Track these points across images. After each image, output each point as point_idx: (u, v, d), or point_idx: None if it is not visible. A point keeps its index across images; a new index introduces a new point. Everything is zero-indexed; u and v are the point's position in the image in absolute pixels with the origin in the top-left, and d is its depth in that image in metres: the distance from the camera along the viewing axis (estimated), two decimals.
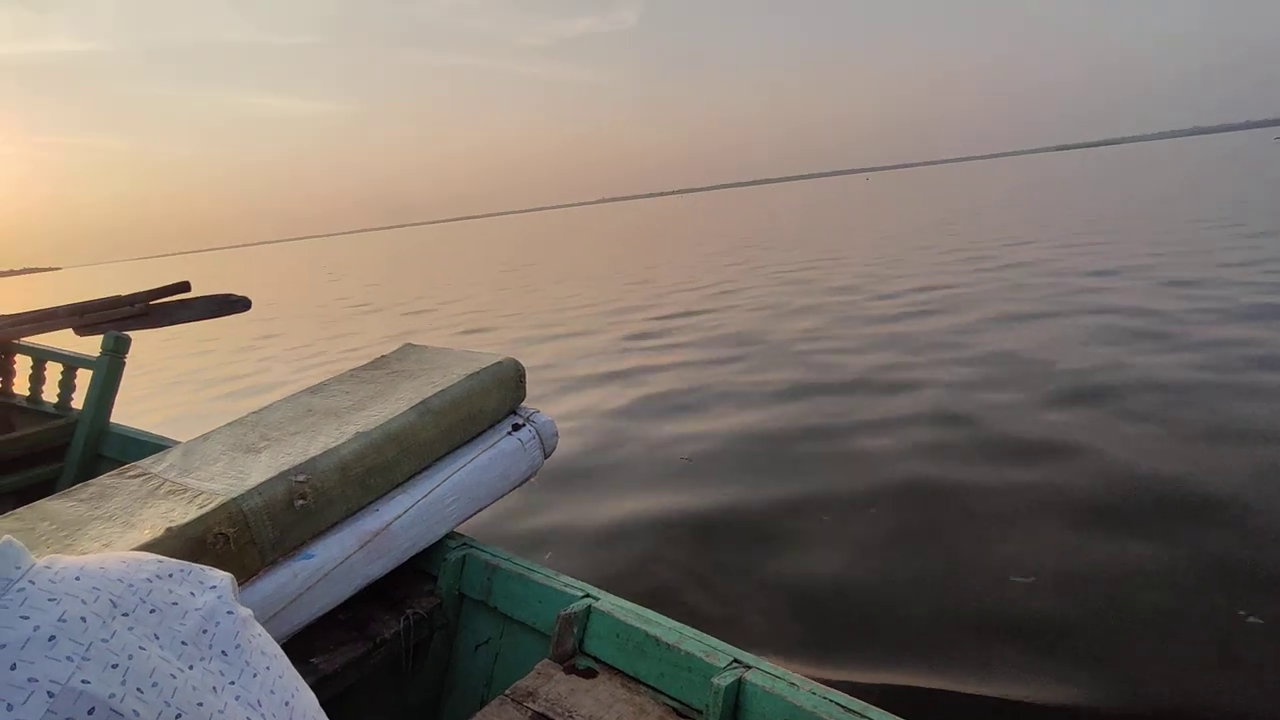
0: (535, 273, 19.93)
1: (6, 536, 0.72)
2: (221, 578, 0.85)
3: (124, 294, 3.75)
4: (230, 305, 3.90)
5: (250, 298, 3.89)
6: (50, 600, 0.66)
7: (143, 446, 3.07)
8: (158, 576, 0.75)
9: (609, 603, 1.63)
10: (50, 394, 3.49)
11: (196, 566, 0.83)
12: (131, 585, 0.72)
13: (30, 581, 0.67)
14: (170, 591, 0.75)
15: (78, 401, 3.42)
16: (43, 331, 3.45)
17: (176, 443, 3.08)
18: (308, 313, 16.02)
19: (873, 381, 5.92)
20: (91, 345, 3.39)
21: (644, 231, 37.83)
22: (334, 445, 1.78)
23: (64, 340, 3.54)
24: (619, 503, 4.14)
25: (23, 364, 3.47)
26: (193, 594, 0.77)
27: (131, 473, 1.82)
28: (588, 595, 1.64)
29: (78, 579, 0.70)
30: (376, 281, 24.07)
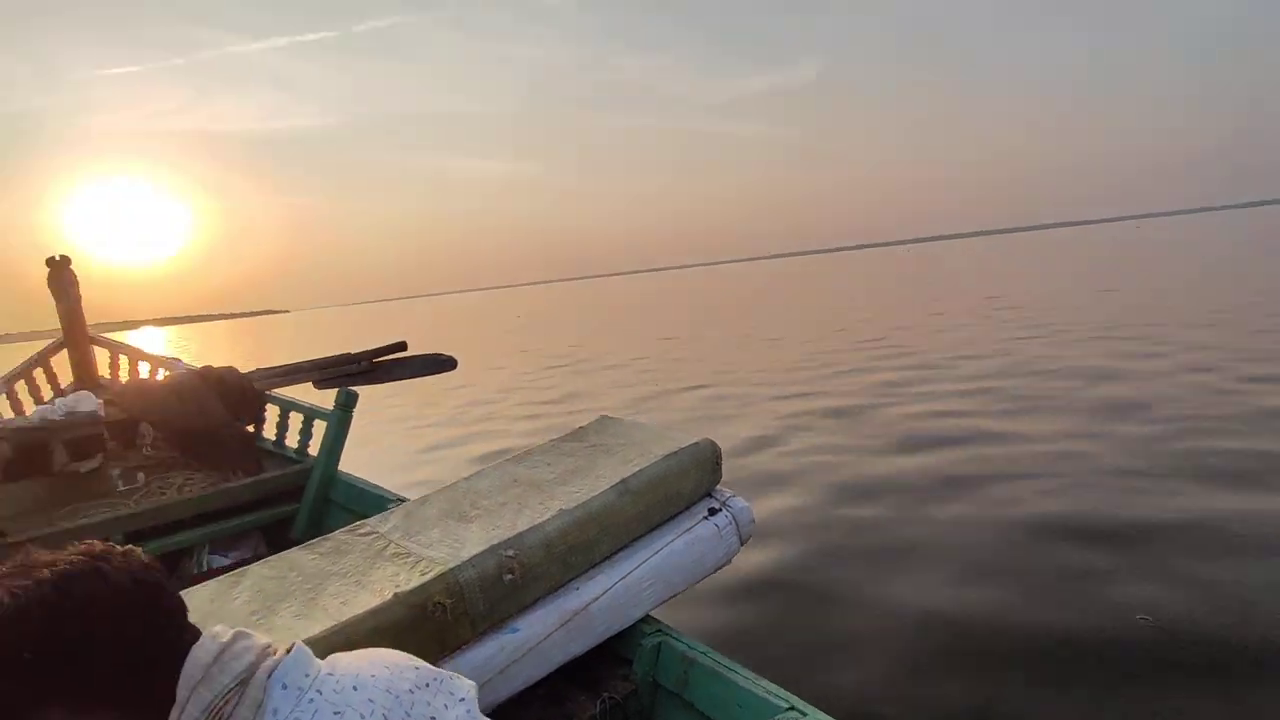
0: (722, 328, 19.89)
1: (298, 643, 0.80)
2: (467, 688, 0.90)
3: (352, 352, 4.19)
4: (439, 365, 4.23)
5: (456, 357, 4.20)
6: (336, 714, 0.72)
7: (363, 495, 3.36)
8: (417, 687, 0.81)
9: None
10: (291, 440, 3.92)
11: (446, 675, 0.88)
12: (398, 698, 0.78)
13: (318, 691, 0.74)
14: (428, 704, 0.80)
15: (313, 448, 3.81)
16: (289, 384, 3.91)
17: (386, 491, 3.36)
18: (499, 363, 16.96)
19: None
20: (326, 398, 3.79)
21: (840, 285, 36.61)
22: (539, 521, 1.86)
23: (304, 393, 3.99)
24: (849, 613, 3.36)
25: (271, 413, 3.94)
26: (446, 706, 0.82)
27: (362, 530, 1.98)
28: (793, 708, 1.57)
29: (355, 689, 0.76)
30: (556, 330, 25.01)
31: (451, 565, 1.66)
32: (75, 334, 4.85)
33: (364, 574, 1.74)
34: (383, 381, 4.12)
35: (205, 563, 3.36)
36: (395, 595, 1.59)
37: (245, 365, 4.15)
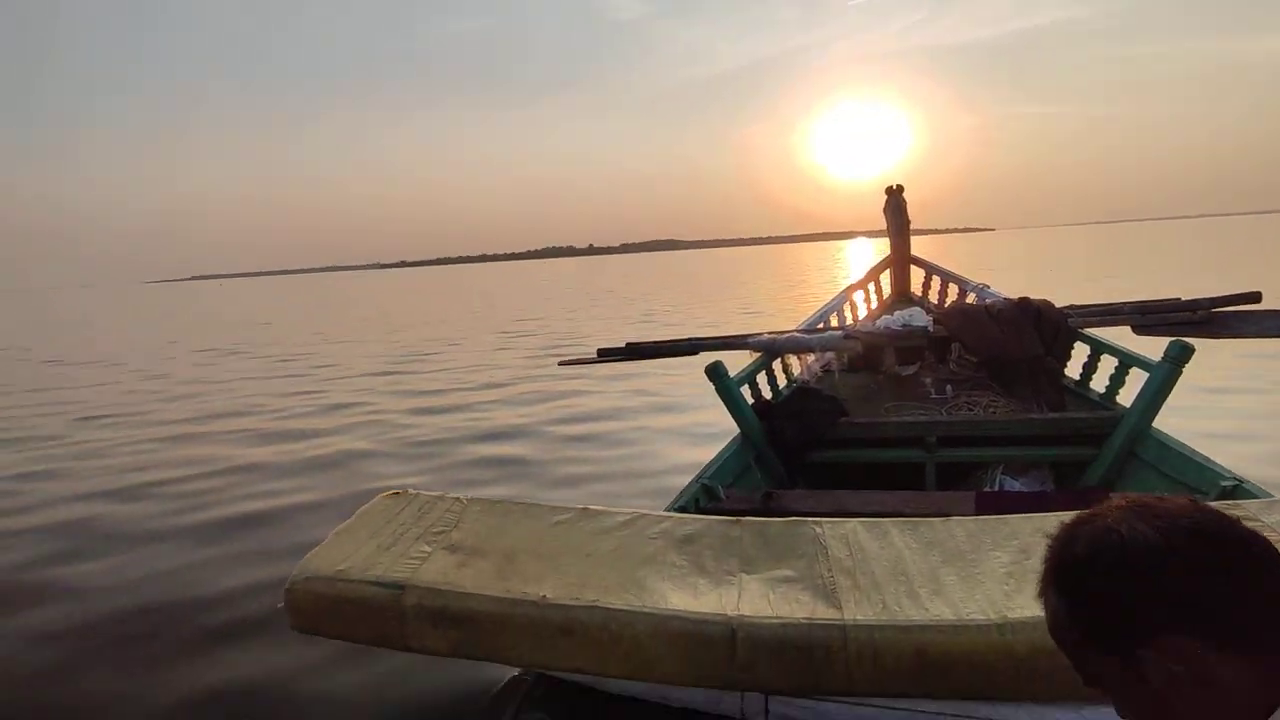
0: None
1: None
2: None
3: (1185, 298, 3.71)
4: None
5: None
6: None
7: (1181, 460, 3.00)
8: None
9: None
10: (1098, 383, 3.76)
11: None
12: None
13: None
14: None
15: (1124, 396, 3.57)
16: (1104, 325, 3.71)
17: (1213, 462, 2.90)
18: None
19: None
20: (1148, 345, 3.46)
21: None
22: None
23: (1119, 336, 3.73)
24: None
25: (1080, 351, 3.82)
26: None
27: (1237, 513, 1.74)
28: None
29: None
30: None
31: None
32: (901, 253, 5.59)
33: None
34: (1220, 336, 3.56)
35: (998, 482, 3.53)
36: None
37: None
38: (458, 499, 2.12)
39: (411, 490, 2.20)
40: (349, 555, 1.81)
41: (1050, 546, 0.77)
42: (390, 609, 1.66)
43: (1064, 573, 0.74)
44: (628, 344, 3.92)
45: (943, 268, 5.46)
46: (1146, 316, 3.62)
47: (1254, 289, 3.58)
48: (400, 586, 1.67)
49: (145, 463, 6.57)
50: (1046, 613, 0.78)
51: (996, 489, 3.51)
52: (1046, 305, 3.74)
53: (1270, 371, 8.01)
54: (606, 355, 3.90)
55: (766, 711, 1.65)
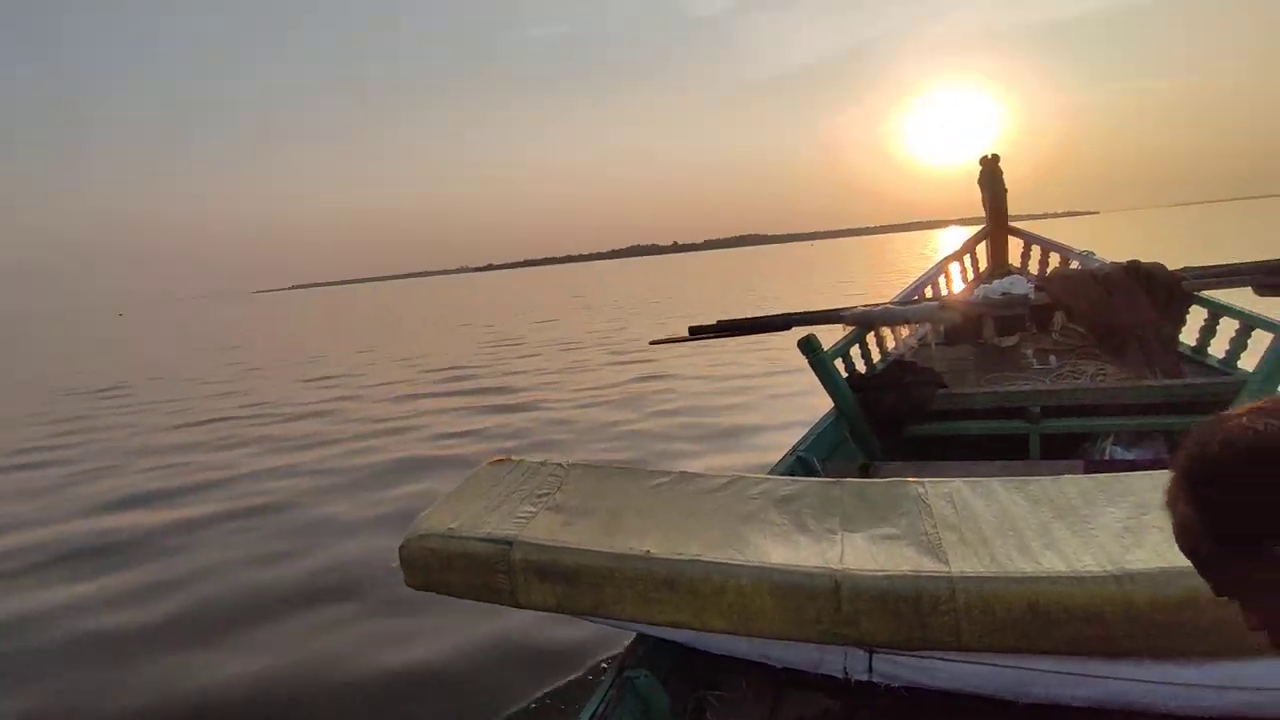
0: None
1: None
2: None
3: None
4: None
5: None
6: None
7: None
8: None
9: None
10: (1217, 348, 3.55)
11: None
12: None
13: None
14: None
15: (1245, 361, 3.37)
16: (1223, 286, 3.50)
17: None
18: None
19: None
20: (1271, 306, 3.27)
21: None
22: None
23: (1239, 297, 3.52)
24: None
25: (1197, 315, 3.61)
26: None
27: None
28: None
29: None
30: None
31: None
32: (998, 223, 5.37)
33: None
34: None
35: (1108, 451, 3.39)
36: None
37: None
38: (560, 464, 2.20)
39: (515, 457, 2.29)
40: (459, 515, 1.91)
41: (1179, 452, 0.76)
42: (499, 564, 1.74)
43: (1197, 471, 0.73)
44: (719, 321, 3.94)
45: (1043, 237, 5.22)
46: (1271, 276, 3.40)
47: None
48: (509, 542, 1.75)
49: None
50: (1174, 524, 0.77)
51: (1105, 458, 3.38)
52: (1158, 268, 3.55)
53: None
54: (699, 333, 3.93)
55: (870, 669, 1.64)
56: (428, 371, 12.80)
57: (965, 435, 3.51)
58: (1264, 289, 3.43)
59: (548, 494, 2.01)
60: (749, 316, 3.93)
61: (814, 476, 2.96)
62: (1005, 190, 5.28)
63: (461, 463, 6.14)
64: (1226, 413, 0.76)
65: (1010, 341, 4.16)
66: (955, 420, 3.53)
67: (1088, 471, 2.83)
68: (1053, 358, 3.89)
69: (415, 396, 10.25)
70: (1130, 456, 3.36)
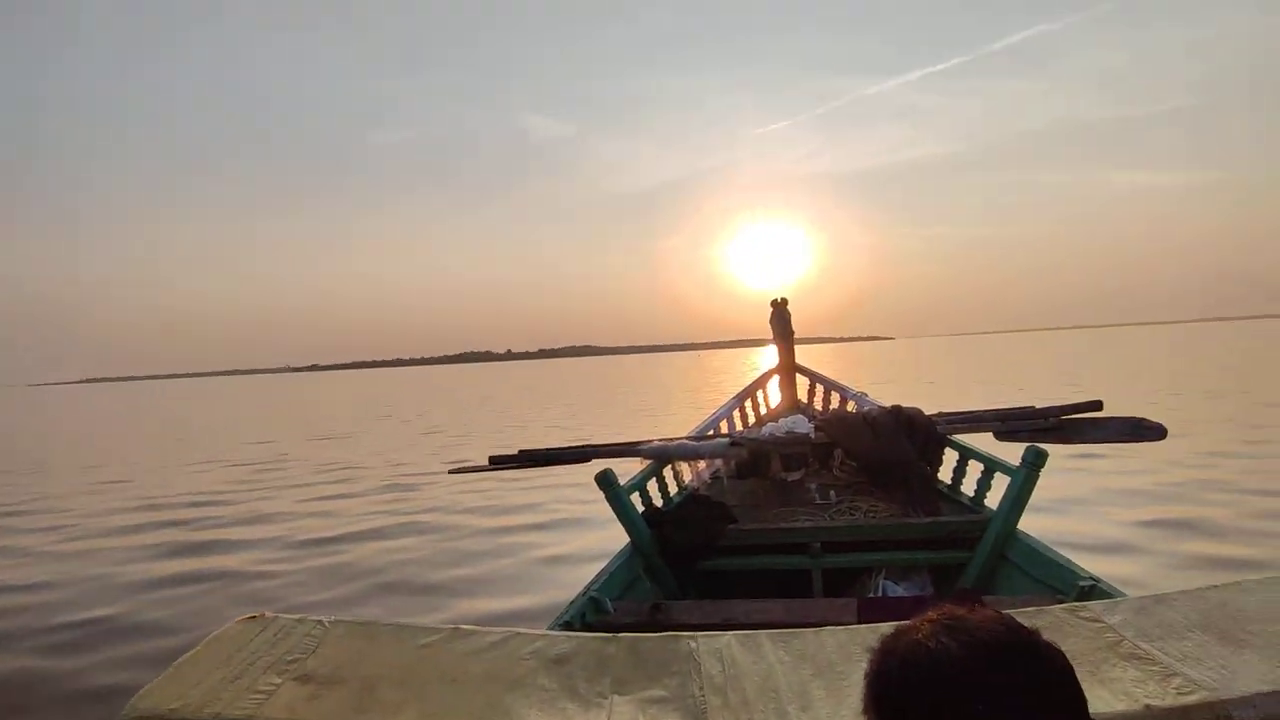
0: None
1: None
2: None
3: (1037, 406, 3.99)
4: (1140, 431, 3.70)
5: (1164, 425, 3.64)
6: None
7: (1045, 561, 3.16)
8: None
9: None
10: (968, 486, 3.94)
11: None
12: None
13: None
14: None
15: (990, 499, 3.75)
16: (970, 431, 3.94)
17: (1073, 564, 3.07)
18: (1197, 413, 13.78)
19: None
20: (1009, 449, 3.69)
21: None
22: None
23: (983, 442, 3.97)
24: None
25: (950, 457, 4.02)
26: None
27: (1084, 614, 1.83)
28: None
29: None
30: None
31: (1222, 695, 1.40)
32: (786, 364, 5.84)
33: (1097, 668, 1.60)
34: (1072, 442, 3.84)
35: (881, 587, 3.61)
36: (1147, 707, 1.41)
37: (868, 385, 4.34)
38: (320, 621, 1.98)
39: (270, 614, 2.05)
40: (188, 690, 1.65)
41: (870, 661, 0.79)
42: None
43: (879, 688, 0.76)
44: (521, 451, 3.87)
45: (825, 376, 5.72)
46: (1006, 424, 3.86)
47: (1096, 398, 3.89)
48: None
49: None
50: None
51: (880, 594, 3.58)
52: (917, 413, 3.95)
53: (1111, 468, 8.87)
54: (499, 463, 3.83)
55: None
56: (148, 505, 10.21)
57: (753, 570, 3.62)
58: (1002, 435, 3.89)
59: (299, 659, 1.80)
60: (550, 447, 3.91)
61: (605, 616, 2.90)
62: (793, 332, 5.78)
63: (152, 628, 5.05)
64: (905, 625, 0.80)
65: (796, 476, 4.41)
66: (745, 555, 3.64)
67: (860, 610, 2.98)
68: (833, 492, 4.14)
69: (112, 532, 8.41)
70: (900, 591, 3.59)
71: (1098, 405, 3.86)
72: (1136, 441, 3.71)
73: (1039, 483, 3.42)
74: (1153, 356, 39.72)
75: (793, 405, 5.65)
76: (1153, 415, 3.72)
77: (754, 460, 4.28)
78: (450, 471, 4.09)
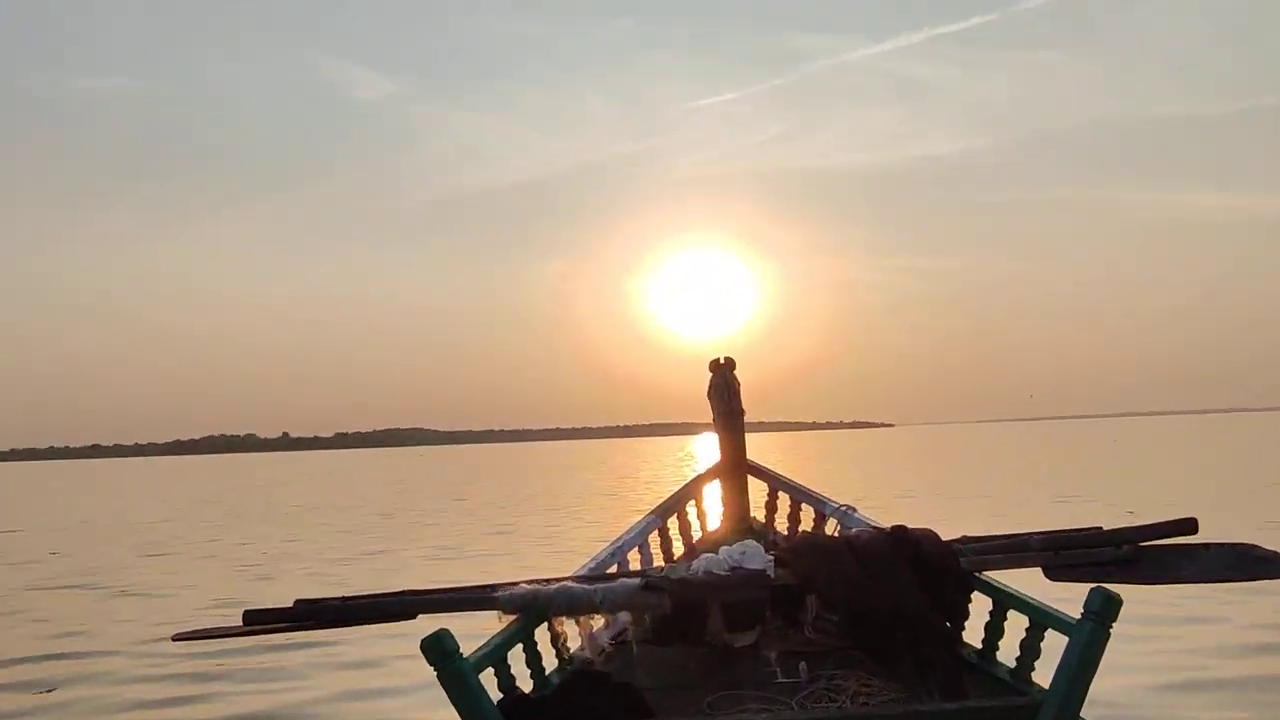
0: None
1: None
2: None
3: (1106, 528, 2.74)
4: (1253, 565, 2.52)
5: None
6: None
7: None
8: None
9: None
10: (1006, 653, 2.61)
11: None
12: None
13: None
14: None
15: (1040, 674, 2.43)
16: (1008, 566, 2.63)
17: None
18: None
19: None
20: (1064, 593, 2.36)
21: None
22: None
23: (1028, 581, 2.59)
24: None
25: (979, 605, 2.69)
26: None
27: None
28: None
29: None
30: None
31: None
32: (732, 461, 4.16)
33: None
34: (1157, 582, 2.61)
35: None
36: None
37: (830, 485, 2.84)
38: None
39: None
40: None
41: None
42: None
43: None
44: (297, 602, 2.43)
45: (792, 481, 4.10)
46: (1060, 555, 2.60)
47: (1188, 515, 2.66)
48: None
49: None
50: None
51: None
52: (927, 535, 2.64)
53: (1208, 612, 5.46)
54: (255, 621, 2.37)
55: None
56: None
57: None
58: (1054, 572, 2.61)
59: None
60: (349, 596, 2.48)
61: None
62: (743, 410, 4.18)
63: None
64: None
65: (746, 640, 3.01)
66: None
67: None
68: (804, 665, 2.77)
69: None
70: None
71: (1191, 525, 2.63)
72: (1248, 579, 2.53)
73: (1109, 644, 2.09)
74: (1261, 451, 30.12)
75: (742, 526, 3.91)
76: (1265, 541, 2.51)
77: (681, 614, 2.84)
78: (175, 639, 2.57)
